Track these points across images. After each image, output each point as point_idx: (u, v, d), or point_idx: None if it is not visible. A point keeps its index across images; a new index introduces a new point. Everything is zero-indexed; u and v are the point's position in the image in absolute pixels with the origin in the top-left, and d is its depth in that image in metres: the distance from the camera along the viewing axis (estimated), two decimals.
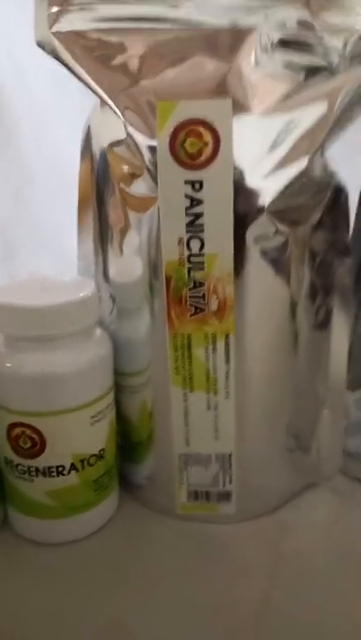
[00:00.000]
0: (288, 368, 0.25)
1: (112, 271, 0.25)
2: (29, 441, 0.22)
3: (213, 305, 0.22)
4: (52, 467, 0.23)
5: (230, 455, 0.25)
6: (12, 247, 1.14)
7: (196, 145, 0.20)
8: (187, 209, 0.20)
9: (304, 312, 0.25)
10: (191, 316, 0.22)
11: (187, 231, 0.21)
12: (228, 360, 0.23)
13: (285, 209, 0.22)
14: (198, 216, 0.21)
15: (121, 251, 0.23)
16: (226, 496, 0.26)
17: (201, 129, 0.20)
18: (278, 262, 0.23)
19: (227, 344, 0.23)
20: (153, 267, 0.22)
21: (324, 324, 0.26)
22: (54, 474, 0.23)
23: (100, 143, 0.23)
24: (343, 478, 0.29)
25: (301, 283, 0.24)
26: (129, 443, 0.27)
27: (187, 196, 0.20)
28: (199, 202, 0.20)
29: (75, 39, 0.21)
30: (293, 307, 0.24)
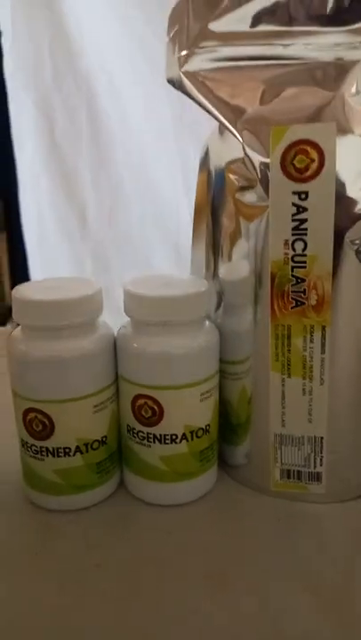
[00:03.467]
0: None
1: (222, 271, 0.28)
2: (150, 411, 0.27)
3: (313, 299, 0.25)
4: (167, 435, 0.27)
5: (322, 438, 0.28)
6: (107, 263, 1.23)
7: (303, 161, 0.23)
8: (293, 215, 0.24)
9: None
10: (292, 308, 0.26)
11: (292, 234, 0.24)
12: (323, 350, 0.26)
13: None
14: (303, 221, 0.24)
15: (231, 253, 0.27)
16: (316, 477, 0.29)
17: (308, 148, 0.23)
18: None
19: (323, 335, 0.26)
20: (260, 266, 0.26)
21: None
22: (168, 441, 0.27)
23: (217, 161, 0.27)
24: None
25: None
26: (229, 425, 0.31)
27: (293, 205, 0.24)
28: (304, 209, 0.24)
29: (201, 77, 0.26)
30: None
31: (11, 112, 1.14)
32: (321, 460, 0.28)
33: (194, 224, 0.30)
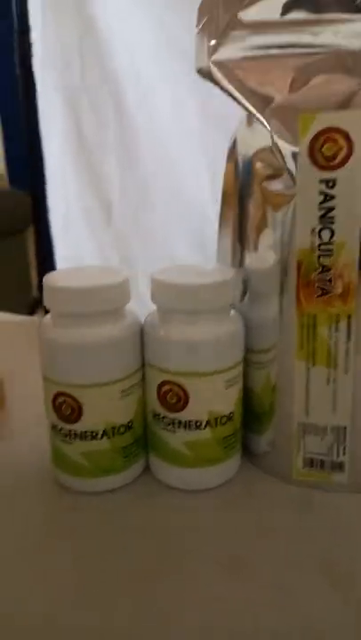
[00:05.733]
0: None
1: (248, 260, 0.29)
2: (175, 397, 0.27)
3: (338, 288, 0.25)
4: (191, 421, 0.27)
5: (345, 428, 0.28)
6: (131, 258, 1.24)
7: (332, 149, 0.23)
8: (320, 203, 0.24)
9: None
10: (318, 297, 0.26)
11: (319, 222, 0.24)
12: (348, 339, 0.26)
13: None
14: (330, 210, 0.24)
15: (257, 242, 0.27)
16: (339, 466, 0.29)
17: (337, 136, 0.23)
18: None
19: (348, 324, 0.26)
20: (286, 255, 0.26)
21: None
22: (193, 427, 0.27)
23: (245, 150, 0.27)
24: None
25: None
26: (252, 413, 0.31)
27: (321, 193, 0.24)
28: (332, 197, 0.24)
29: (230, 66, 0.26)
30: None
31: (39, 110, 1.16)
32: (344, 449, 0.28)
33: (221, 213, 0.30)
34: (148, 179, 1.15)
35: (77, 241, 1.22)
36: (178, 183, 1.09)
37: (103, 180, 1.17)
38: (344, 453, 0.28)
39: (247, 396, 0.31)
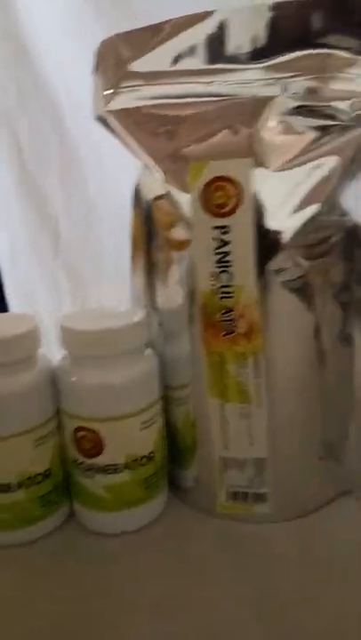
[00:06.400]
0: (315, 382, 0.29)
1: (159, 301, 0.29)
2: (90, 442, 0.27)
3: (242, 328, 0.26)
4: (108, 465, 0.27)
5: (264, 459, 0.28)
6: (82, 279, 1.23)
7: (222, 197, 0.24)
8: (216, 249, 0.25)
9: (327, 332, 0.28)
10: (224, 336, 0.26)
11: (217, 267, 0.25)
12: (257, 375, 0.27)
13: (302, 246, 0.26)
14: (226, 254, 0.25)
15: (166, 284, 0.28)
16: (261, 497, 0.29)
17: (227, 184, 0.24)
18: (300, 290, 0.26)
19: (255, 361, 0.27)
20: (191, 296, 0.26)
21: (347, 342, 0.29)
22: (110, 471, 0.27)
23: (146, 195, 0.28)
24: None
25: (324, 307, 0.28)
26: (176, 448, 0.31)
27: (215, 239, 0.25)
28: (226, 243, 0.25)
29: (124, 115, 0.27)
30: (317, 328, 0.28)
31: None
32: (264, 480, 0.29)
33: (131, 256, 0.31)
34: (96, 197, 1.15)
35: (25, 265, 1.21)
36: (125, 199, 1.09)
37: (48, 201, 1.16)
38: (265, 485, 0.29)
39: (171, 433, 0.31)
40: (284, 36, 0.27)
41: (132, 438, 0.27)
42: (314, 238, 0.26)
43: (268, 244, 0.25)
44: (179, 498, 0.32)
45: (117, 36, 0.28)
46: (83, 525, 0.29)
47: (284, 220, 0.25)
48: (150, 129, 0.26)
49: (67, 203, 1.15)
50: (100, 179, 1.10)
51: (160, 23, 0.27)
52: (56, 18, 0.99)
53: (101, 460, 0.27)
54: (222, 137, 0.25)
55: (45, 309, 0.97)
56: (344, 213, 0.27)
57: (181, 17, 0.27)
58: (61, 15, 0.98)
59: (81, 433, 0.27)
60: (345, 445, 0.31)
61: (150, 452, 0.28)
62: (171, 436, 0.31)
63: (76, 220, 1.15)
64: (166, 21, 0.27)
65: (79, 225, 1.15)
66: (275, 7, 0.27)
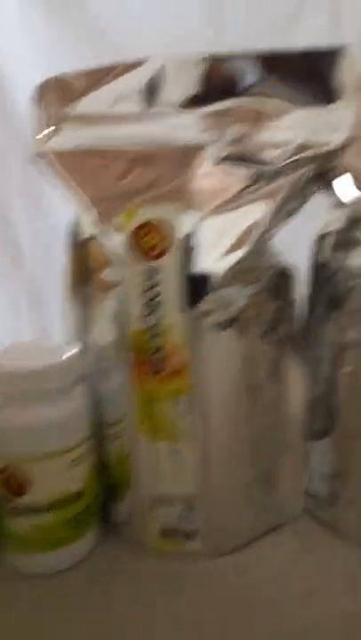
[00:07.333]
0: (247, 417, 0.29)
1: (91, 337, 0.29)
2: (17, 482, 0.27)
3: (172, 367, 0.26)
4: (34, 505, 0.27)
5: (194, 497, 0.29)
6: (43, 300, 1.21)
7: (152, 240, 0.25)
8: (145, 290, 0.25)
9: (259, 369, 0.29)
10: (153, 375, 0.27)
11: (146, 307, 0.25)
12: (187, 413, 0.27)
13: (232, 287, 0.26)
14: (156, 295, 0.25)
15: (98, 322, 0.28)
16: (192, 534, 0.29)
17: (156, 228, 0.24)
18: (230, 329, 0.27)
19: (185, 399, 0.27)
20: (122, 335, 0.27)
21: (278, 378, 0.30)
22: (36, 511, 0.27)
23: (82, 235, 0.28)
24: (307, 519, 0.32)
25: (254, 345, 0.28)
26: (110, 484, 0.31)
27: (145, 280, 0.25)
28: (155, 285, 0.25)
29: (61, 156, 0.27)
30: (248, 365, 0.28)
31: None
32: (195, 517, 0.29)
33: (66, 294, 0.31)
34: (58, 215, 1.14)
35: None
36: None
37: (11, 226, 1.14)
38: (196, 521, 0.29)
39: (105, 468, 0.31)
40: (219, 84, 0.28)
41: (60, 477, 0.27)
42: (242, 280, 0.27)
43: (197, 286, 0.25)
44: (113, 533, 0.32)
45: (60, 75, 0.28)
46: (11, 566, 0.29)
47: (214, 262, 0.26)
48: (87, 169, 0.26)
49: (29, 225, 1.14)
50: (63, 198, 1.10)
51: (102, 66, 0.28)
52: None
53: (27, 499, 0.27)
54: (155, 181, 0.26)
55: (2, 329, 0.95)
56: (274, 256, 0.28)
57: (121, 62, 0.28)
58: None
59: (7, 472, 0.27)
60: (276, 479, 0.31)
61: (80, 490, 0.28)
62: (106, 470, 0.31)
63: (37, 236, 1.14)
64: (109, 65, 0.27)
65: (41, 243, 1.14)
66: (211, 56, 0.28)
